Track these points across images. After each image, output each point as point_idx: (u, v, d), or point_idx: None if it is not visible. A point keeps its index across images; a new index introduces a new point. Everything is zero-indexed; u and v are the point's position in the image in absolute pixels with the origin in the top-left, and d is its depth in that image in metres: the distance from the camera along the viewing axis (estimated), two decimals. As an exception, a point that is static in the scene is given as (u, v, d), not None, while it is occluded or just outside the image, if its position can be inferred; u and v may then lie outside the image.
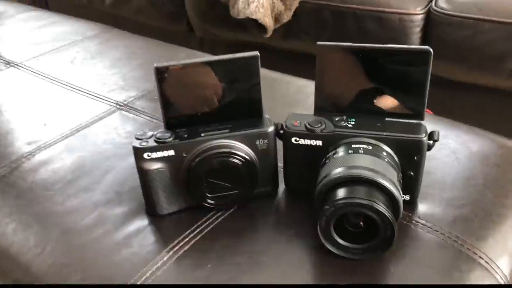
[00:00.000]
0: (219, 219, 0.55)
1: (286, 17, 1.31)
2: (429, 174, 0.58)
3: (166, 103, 0.53)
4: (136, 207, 0.57)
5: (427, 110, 0.55)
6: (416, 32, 1.22)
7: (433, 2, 1.22)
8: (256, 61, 0.52)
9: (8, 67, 0.91)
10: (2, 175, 0.64)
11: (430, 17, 1.21)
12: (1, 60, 0.93)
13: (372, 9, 1.24)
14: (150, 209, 0.56)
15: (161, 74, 0.51)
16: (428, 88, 0.52)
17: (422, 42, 1.22)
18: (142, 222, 0.55)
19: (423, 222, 0.53)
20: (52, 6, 1.90)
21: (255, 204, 0.56)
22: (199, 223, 0.54)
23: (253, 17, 1.25)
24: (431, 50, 0.51)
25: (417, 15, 1.21)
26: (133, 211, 0.57)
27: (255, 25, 1.30)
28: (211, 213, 0.55)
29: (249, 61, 0.52)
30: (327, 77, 0.54)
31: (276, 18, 1.31)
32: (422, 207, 0.55)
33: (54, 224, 0.57)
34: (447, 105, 1.20)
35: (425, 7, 1.22)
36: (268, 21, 1.27)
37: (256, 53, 0.52)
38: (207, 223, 0.54)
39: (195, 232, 0.53)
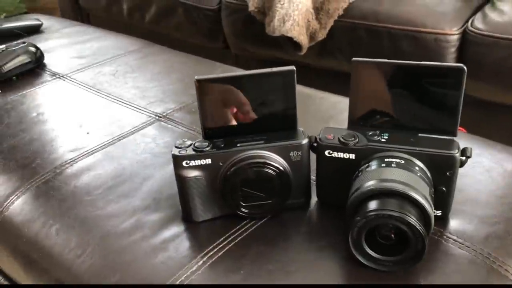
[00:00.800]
0: (252, 228, 0.56)
1: (321, 35, 1.33)
2: (462, 191, 0.58)
3: (205, 114, 0.55)
4: (173, 214, 0.59)
5: (461, 128, 0.56)
6: (451, 52, 1.23)
7: (469, 22, 1.22)
8: (292, 76, 0.54)
9: (54, 79, 0.95)
10: (46, 180, 0.67)
11: (466, 37, 1.21)
12: (48, 72, 0.98)
13: (407, 28, 1.25)
14: (186, 216, 0.58)
15: (201, 86, 0.54)
16: (461, 104, 0.53)
17: (458, 62, 1.22)
18: (178, 228, 0.57)
19: (455, 237, 0.54)
20: (94, 22, 1.98)
21: (288, 214, 0.58)
22: (233, 231, 0.56)
23: (289, 34, 1.27)
24: (465, 67, 0.51)
25: (453, 35, 1.21)
26: (170, 218, 0.59)
27: (290, 43, 1.32)
28: (245, 222, 0.57)
29: (285, 75, 0.54)
30: (362, 92, 0.56)
31: (311, 36, 1.34)
32: (454, 223, 0.55)
33: (94, 227, 0.59)
34: (482, 125, 1.19)
35: (461, 27, 1.22)
36: (303, 39, 1.29)
37: (293, 67, 0.54)
38: (240, 231, 0.56)
39: (229, 239, 0.55)
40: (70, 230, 0.59)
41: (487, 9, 1.23)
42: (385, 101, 0.56)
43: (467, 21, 1.23)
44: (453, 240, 0.53)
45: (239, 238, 0.55)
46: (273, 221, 0.57)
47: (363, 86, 0.56)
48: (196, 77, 0.53)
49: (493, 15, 1.19)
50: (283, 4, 1.29)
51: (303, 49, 1.32)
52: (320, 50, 1.38)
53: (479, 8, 1.26)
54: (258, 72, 0.54)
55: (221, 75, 0.54)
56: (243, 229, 0.56)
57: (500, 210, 0.57)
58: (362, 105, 0.56)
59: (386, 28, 1.28)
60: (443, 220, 0.55)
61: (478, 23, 1.20)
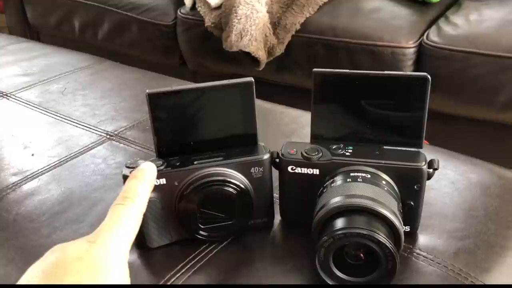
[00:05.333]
0: (213, 253, 0.52)
1: (279, 50, 1.32)
2: (429, 205, 0.56)
3: (158, 131, 0.51)
4: (125, 240, 0.54)
5: (424, 140, 0.54)
6: (408, 65, 1.23)
7: (425, 35, 1.23)
8: (250, 87, 0.51)
9: (-3, 98, 0.89)
10: (-15, 207, 0.61)
11: (422, 51, 1.22)
12: (-10, 91, 0.91)
13: (364, 42, 1.25)
14: (139, 242, 0.53)
15: (153, 100, 0.50)
16: (426, 115, 0.51)
17: (415, 75, 1.22)
18: (131, 256, 0.52)
19: (425, 254, 0.51)
20: (44, 40, 1.91)
21: (250, 236, 0.54)
22: (191, 257, 0.52)
23: (246, 50, 1.25)
24: (429, 76, 0.50)
25: (409, 48, 1.22)
26: (122, 244, 0.54)
27: (248, 58, 1.30)
28: (204, 246, 0.53)
29: (243, 87, 0.51)
30: (324, 104, 0.53)
31: (269, 52, 1.32)
32: (423, 239, 0.53)
33: (38, 258, 0.54)
34: (440, 138, 1.20)
35: (417, 41, 1.23)
36: (261, 54, 1.27)
37: (251, 79, 0.51)
38: (199, 256, 0.52)
39: (188, 267, 0.51)
40: (9, 263, 0.54)
41: (441, 22, 1.25)
42: (348, 113, 0.53)
43: (422, 35, 1.24)
44: (423, 256, 0.51)
45: (198, 265, 0.51)
46: (235, 244, 0.53)
47: (325, 98, 0.53)
48: (147, 91, 0.49)
49: (447, 29, 1.21)
50: (240, 19, 1.27)
51: (261, 64, 1.31)
52: (278, 65, 1.36)
53: (433, 22, 1.28)
54: (214, 84, 0.50)
55: (174, 87, 0.50)
56: (202, 254, 0.52)
57: (468, 224, 0.56)
58: (325, 118, 0.54)
59: (344, 42, 1.27)
60: (411, 236, 0.53)
61: (433, 36, 1.21)
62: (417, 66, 1.23)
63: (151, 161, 0.51)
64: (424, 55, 1.22)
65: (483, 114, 1.20)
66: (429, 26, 1.26)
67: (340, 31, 1.28)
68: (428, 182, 0.51)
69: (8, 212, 0.60)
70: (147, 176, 0.46)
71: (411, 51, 1.22)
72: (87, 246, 0.38)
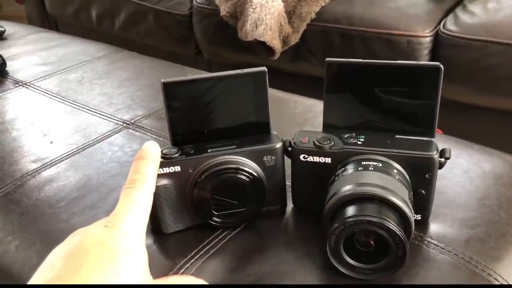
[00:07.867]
0: (226, 238, 0.53)
1: (294, 39, 1.32)
2: (441, 194, 0.57)
3: (173, 119, 0.52)
4: (141, 225, 0.56)
5: (438, 129, 0.54)
6: (424, 54, 1.23)
7: (441, 24, 1.22)
8: (263, 77, 0.52)
9: (17, 87, 0.91)
10: (6, 193, 0.63)
11: (438, 39, 1.21)
12: (11, 80, 0.94)
13: (380, 31, 1.24)
14: (155, 228, 0.54)
15: (168, 89, 0.51)
16: (438, 104, 0.51)
17: (431, 64, 1.21)
18: (147, 241, 0.52)
19: (436, 242, 0.52)
20: (62, 30, 1.93)
21: (263, 223, 0.55)
22: (205, 243, 0.53)
23: (261, 39, 1.26)
24: (441, 66, 0.50)
25: (426, 37, 1.21)
26: (138, 229, 0.55)
27: (263, 47, 1.30)
28: (218, 232, 0.54)
29: (256, 77, 0.52)
30: (336, 93, 0.54)
31: (284, 41, 1.32)
32: (434, 227, 0.54)
33: (58, 242, 0.55)
34: (456, 127, 1.19)
35: (434, 29, 1.22)
36: (276, 43, 1.28)
37: (264, 68, 0.52)
38: (213, 242, 0.53)
39: (202, 252, 0.52)
40: (30, 246, 0.56)
41: (458, 11, 1.24)
42: (360, 102, 0.54)
43: (439, 23, 1.23)
44: (434, 245, 0.52)
45: (212, 250, 0.52)
46: (248, 230, 0.54)
47: (338, 87, 0.54)
48: (162, 80, 0.50)
49: (464, 17, 1.20)
50: (255, 8, 1.28)
51: (276, 54, 1.31)
52: (293, 55, 1.36)
53: (450, 10, 1.27)
54: (228, 73, 0.51)
55: (188, 77, 0.51)
56: (217, 240, 0.53)
57: (480, 212, 0.56)
58: (337, 107, 0.54)
59: (359, 31, 1.27)
60: (423, 224, 0.53)
61: (450, 25, 1.20)
62: (433, 55, 1.22)
63: (166, 149, 0.52)
64: (441, 44, 1.21)
65: (500, 103, 1.19)
66: (446, 15, 1.25)
67: (355, 20, 1.27)
68: (441, 171, 0.52)
69: (28, 197, 0.62)
70: (152, 155, 0.46)
71: (427, 40, 1.21)
72: (105, 231, 0.39)
